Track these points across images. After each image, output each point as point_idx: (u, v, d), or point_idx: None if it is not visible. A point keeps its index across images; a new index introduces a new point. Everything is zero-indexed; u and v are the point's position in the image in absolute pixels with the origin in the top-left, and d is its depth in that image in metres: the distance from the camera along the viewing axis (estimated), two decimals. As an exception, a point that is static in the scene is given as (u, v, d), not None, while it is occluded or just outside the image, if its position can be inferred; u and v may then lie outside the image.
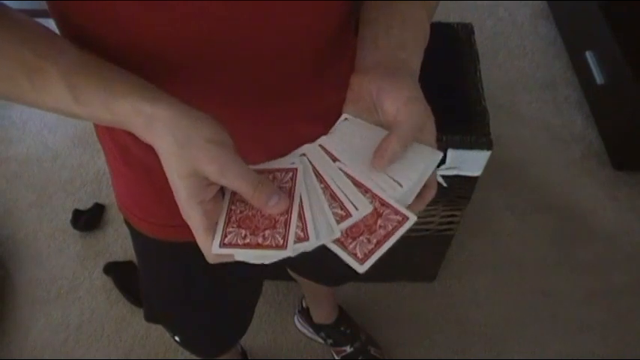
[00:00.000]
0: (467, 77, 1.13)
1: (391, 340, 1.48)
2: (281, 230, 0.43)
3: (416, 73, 0.49)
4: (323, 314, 1.41)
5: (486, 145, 1.03)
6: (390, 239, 0.44)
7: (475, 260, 1.61)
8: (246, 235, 0.43)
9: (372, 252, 0.43)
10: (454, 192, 1.16)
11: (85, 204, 1.71)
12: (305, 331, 1.48)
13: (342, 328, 1.42)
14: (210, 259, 0.44)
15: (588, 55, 1.79)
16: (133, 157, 0.63)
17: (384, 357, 1.43)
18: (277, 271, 1.45)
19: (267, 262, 0.43)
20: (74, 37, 0.49)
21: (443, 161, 1.07)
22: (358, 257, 0.43)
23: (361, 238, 0.44)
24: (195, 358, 1.08)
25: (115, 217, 1.69)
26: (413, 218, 0.44)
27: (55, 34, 0.46)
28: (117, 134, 0.62)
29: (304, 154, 0.49)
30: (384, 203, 0.45)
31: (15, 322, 1.52)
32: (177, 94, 0.44)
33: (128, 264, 1.58)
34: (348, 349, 1.41)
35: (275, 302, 1.54)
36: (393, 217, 0.44)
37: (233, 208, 0.45)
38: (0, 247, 1.63)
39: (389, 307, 1.54)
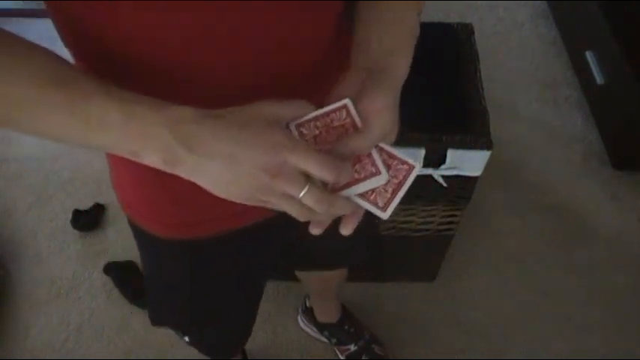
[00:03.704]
0: (467, 77, 1.13)
1: (391, 339, 1.48)
2: (366, 160, 0.48)
3: (402, 77, 0.51)
4: (327, 313, 1.42)
5: (486, 145, 1.03)
6: (404, 187, 0.49)
7: (475, 260, 1.61)
8: None
9: (390, 200, 0.48)
10: (454, 192, 1.16)
11: (85, 204, 1.70)
12: (309, 330, 1.48)
13: (345, 327, 1.42)
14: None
15: (588, 55, 1.79)
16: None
17: (388, 355, 1.43)
18: (277, 271, 1.45)
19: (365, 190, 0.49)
20: (73, 38, 0.49)
21: (443, 161, 1.07)
22: (380, 206, 0.48)
23: (378, 189, 0.49)
24: (194, 358, 1.08)
25: (115, 217, 1.69)
26: (418, 166, 0.49)
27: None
28: None
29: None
30: (390, 155, 0.50)
31: (15, 322, 1.52)
32: (173, 101, 0.44)
33: (128, 264, 1.58)
34: (352, 347, 1.42)
35: (275, 302, 1.54)
36: (400, 166, 0.49)
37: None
38: (0, 247, 1.63)
39: (389, 307, 1.54)
